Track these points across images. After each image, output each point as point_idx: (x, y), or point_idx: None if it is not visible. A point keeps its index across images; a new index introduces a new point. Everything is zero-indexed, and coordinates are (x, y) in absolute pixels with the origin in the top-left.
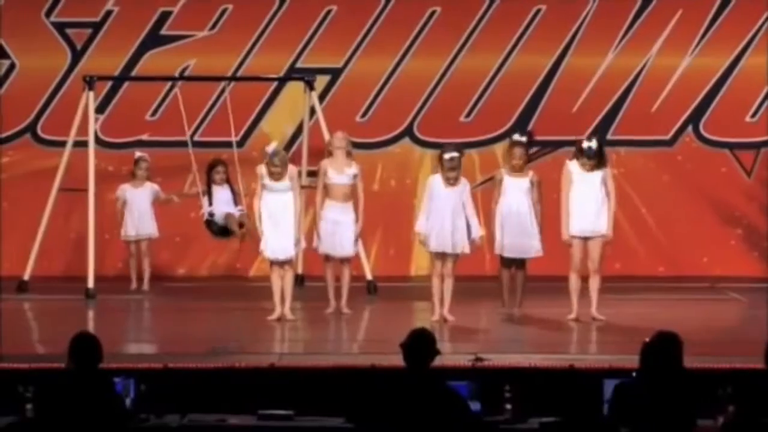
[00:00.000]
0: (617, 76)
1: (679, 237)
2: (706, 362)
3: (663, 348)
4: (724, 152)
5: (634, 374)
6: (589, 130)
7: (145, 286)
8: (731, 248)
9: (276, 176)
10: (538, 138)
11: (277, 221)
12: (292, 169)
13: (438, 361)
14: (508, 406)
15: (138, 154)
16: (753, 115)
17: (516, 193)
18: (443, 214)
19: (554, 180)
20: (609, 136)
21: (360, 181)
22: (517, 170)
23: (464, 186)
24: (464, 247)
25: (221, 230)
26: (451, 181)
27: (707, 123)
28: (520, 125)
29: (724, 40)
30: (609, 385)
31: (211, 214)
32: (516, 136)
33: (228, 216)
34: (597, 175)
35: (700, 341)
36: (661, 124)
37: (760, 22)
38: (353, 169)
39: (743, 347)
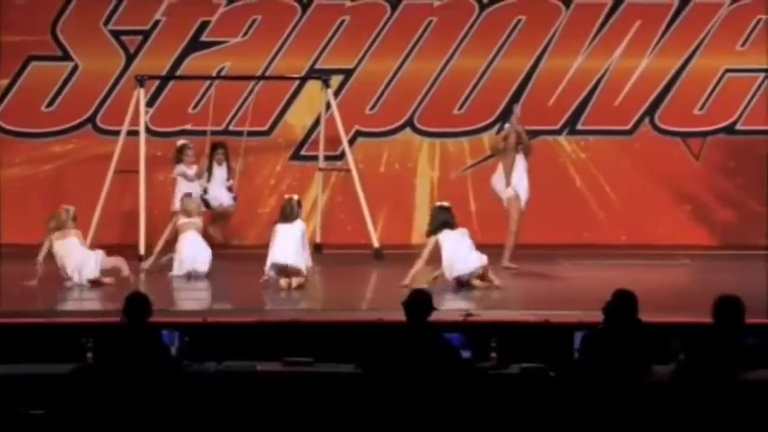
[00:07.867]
0: (586, 75)
1: (638, 211)
2: (661, 317)
3: (620, 303)
4: (675, 140)
5: (599, 327)
6: None
7: None
8: (682, 221)
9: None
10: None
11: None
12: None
13: (434, 316)
14: (494, 355)
15: (181, 141)
16: (700, 108)
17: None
18: None
19: (532, 163)
20: (579, 126)
21: None
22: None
23: None
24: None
25: (208, 207)
26: None
27: (662, 115)
28: (504, 117)
29: (676, 45)
30: (578, 337)
31: (206, 191)
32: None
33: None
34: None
35: (657, 299)
36: (622, 116)
37: (706, 29)
38: None
39: (693, 305)
